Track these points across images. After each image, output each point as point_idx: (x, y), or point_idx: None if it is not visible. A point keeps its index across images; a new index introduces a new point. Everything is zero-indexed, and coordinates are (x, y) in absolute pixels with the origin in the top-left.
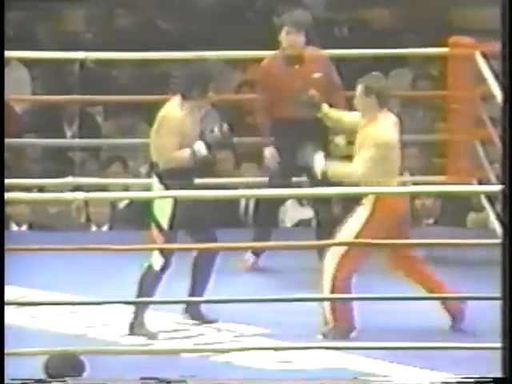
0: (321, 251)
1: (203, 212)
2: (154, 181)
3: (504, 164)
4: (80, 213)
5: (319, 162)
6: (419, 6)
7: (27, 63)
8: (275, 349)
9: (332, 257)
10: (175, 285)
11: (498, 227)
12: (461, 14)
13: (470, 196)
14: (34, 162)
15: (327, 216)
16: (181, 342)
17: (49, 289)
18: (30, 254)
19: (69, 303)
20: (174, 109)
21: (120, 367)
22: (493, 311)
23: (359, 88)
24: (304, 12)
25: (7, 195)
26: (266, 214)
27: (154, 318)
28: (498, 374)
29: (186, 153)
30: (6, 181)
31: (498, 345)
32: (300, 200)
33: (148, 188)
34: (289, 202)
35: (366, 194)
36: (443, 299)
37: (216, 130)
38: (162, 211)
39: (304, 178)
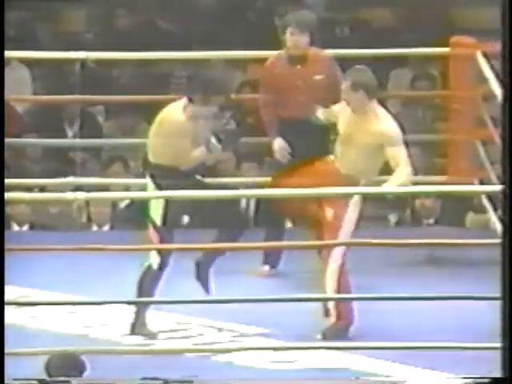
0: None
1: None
2: (148, 181)
3: (504, 164)
4: (81, 213)
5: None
6: (420, 5)
7: (28, 63)
8: (276, 349)
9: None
10: (179, 285)
11: (498, 227)
12: (462, 13)
13: (471, 196)
14: (35, 162)
15: None
16: (182, 342)
17: (50, 289)
18: (30, 254)
19: (69, 303)
20: (177, 110)
21: (121, 367)
22: (493, 311)
23: (345, 83)
24: (308, 12)
25: (8, 195)
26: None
27: (154, 318)
28: (498, 374)
29: (201, 152)
30: (7, 181)
31: (498, 345)
32: None
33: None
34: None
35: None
36: (443, 299)
37: (226, 125)
38: (156, 209)
39: None
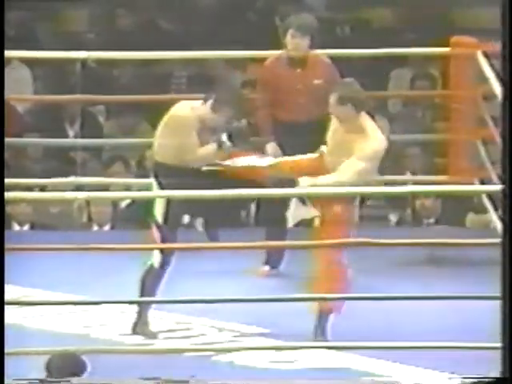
0: None
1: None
2: (152, 180)
3: (504, 163)
4: (82, 212)
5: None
6: (420, 5)
7: (29, 63)
8: (276, 348)
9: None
10: (179, 284)
11: (498, 227)
12: (462, 13)
13: (471, 196)
14: (36, 162)
15: None
16: (182, 342)
17: (50, 288)
18: (31, 254)
19: (70, 303)
20: (186, 109)
21: (121, 367)
22: (493, 311)
23: (332, 98)
24: (310, 16)
25: (9, 195)
26: (275, 214)
27: (155, 318)
28: (498, 374)
29: (211, 148)
30: (8, 180)
31: (498, 344)
32: (302, 199)
33: (149, 187)
34: (291, 201)
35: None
36: (443, 299)
37: (236, 124)
38: (159, 207)
39: None
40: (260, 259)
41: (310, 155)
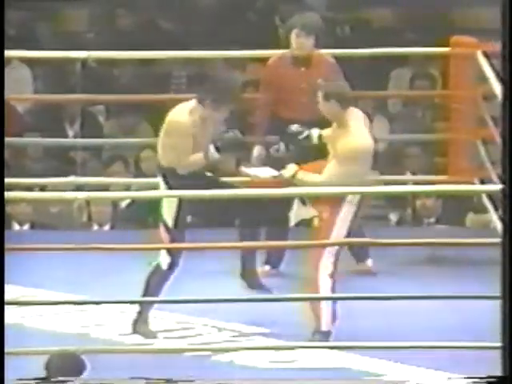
0: None
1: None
2: (160, 181)
3: (504, 163)
4: (81, 212)
5: (290, 167)
6: (420, 5)
7: (29, 63)
8: (276, 348)
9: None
10: (180, 284)
11: (498, 227)
12: (462, 13)
13: (471, 196)
14: (36, 162)
15: None
16: (182, 342)
17: (50, 288)
18: (32, 254)
19: (70, 303)
20: (183, 113)
21: (121, 367)
22: (493, 310)
23: (319, 95)
24: (314, 15)
25: (9, 194)
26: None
27: (156, 318)
28: (498, 374)
29: (198, 157)
30: (8, 180)
31: (498, 344)
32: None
33: (154, 187)
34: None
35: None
36: (443, 298)
37: (228, 134)
38: (169, 210)
39: None
40: (260, 259)
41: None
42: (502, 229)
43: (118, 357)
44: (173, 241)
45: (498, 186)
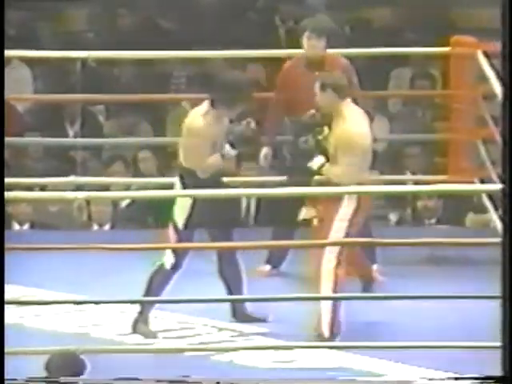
0: None
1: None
2: (177, 181)
3: (504, 163)
4: (81, 212)
5: (318, 159)
6: (420, 5)
7: (29, 62)
8: (276, 348)
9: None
10: (180, 284)
11: (498, 226)
12: (462, 13)
13: (471, 195)
14: (36, 161)
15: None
16: (182, 341)
17: (50, 288)
18: (31, 253)
19: (69, 302)
20: (197, 117)
21: (121, 366)
22: (492, 310)
23: (316, 86)
24: (325, 17)
25: (9, 194)
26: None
27: (156, 317)
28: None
29: (216, 158)
30: (8, 180)
31: (498, 344)
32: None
33: (154, 187)
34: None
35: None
36: (443, 298)
37: (242, 125)
38: (182, 211)
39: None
40: (260, 259)
41: None
42: (502, 229)
43: (118, 357)
44: (180, 241)
45: (498, 186)
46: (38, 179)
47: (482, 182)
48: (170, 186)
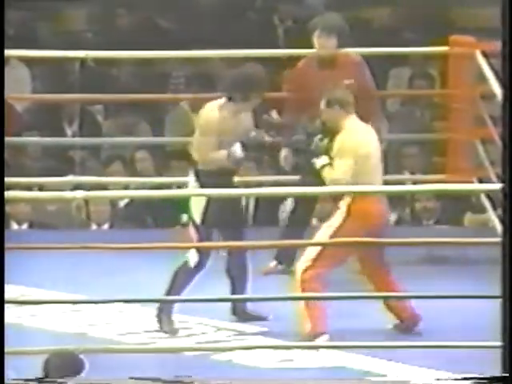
0: None
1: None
2: (191, 179)
3: (504, 162)
4: (80, 211)
5: (321, 159)
6: (419, 4)
7: (28, 62)
8: (276, 347)
9: (303, 260)
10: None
11: (496, 226)
12: (461, 12)
13: (470, 195)
14: (35, 161)
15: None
16: (181, 341)
17: (49, 288)
18: (30, 253)
19: (68, 302)
20: (213, 110)
21: (120, 366)
22: (491, 309)
23: (322, 101)
24: (336, 15)
25: (8, 194)
26: (301, 214)
27: (155, 317)
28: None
29: (222, 154)
30: (7, 179)
31: (498, 343)
32: None
33: (152, 187)
34: (289, 201)
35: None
36: (443, 298)
37: (257, 132)
38: (197, 208)
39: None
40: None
41: None
42: (501, 228)
43: (117, 356)
44: (201, 239)
45: (496, 186)
46: (36, 179)
47: (481, 181)
48: (169, 186)
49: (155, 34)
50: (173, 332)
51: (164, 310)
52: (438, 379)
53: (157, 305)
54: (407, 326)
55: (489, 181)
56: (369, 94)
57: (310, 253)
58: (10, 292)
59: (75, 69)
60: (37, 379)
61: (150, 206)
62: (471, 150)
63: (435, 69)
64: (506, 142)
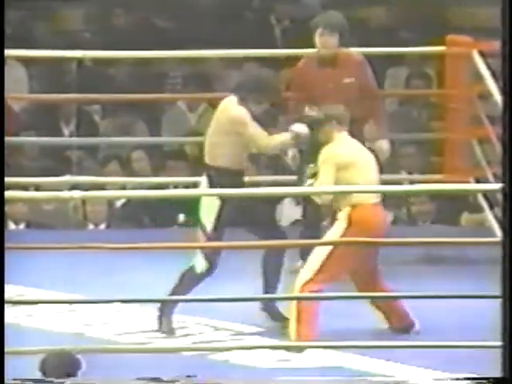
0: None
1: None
2: (203, 180)
3: (504, 162)
4: (77, 211)
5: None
6: (416, 4)
7: (25, 62)
8: (275, 347)
9: (305, 271)
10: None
11: (494, 225)
12: (458, 12)
13: (467, 195)
14: (32, 161)
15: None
16: (179, 341)
17: (46, 287)
18: (28, 253)
19: (66, 302)
20: (235, 106)
21: (117, 366)
22: (492, 310)
23: (318, 116)
24: (338, 13)
25: (6, 194)
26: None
27: (152, 317)
28: (498, 373)
29: (286, 136)
30: (5, 179)
31: (498, 343)
32: (296, 199)
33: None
34: (286, 201)
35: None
36: (442, 298)
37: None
38: (209, 212)
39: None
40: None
41: None
42: (501, 228)
43: (114, 356)
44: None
45: (493, 185)
46: (33, 179)
47: (478, 181)
48: (165, 186)
49: (152, 33)
50: (170, 332)
51: (165, 310)
52: (436, 379)
53: (157, 305)
54: (398, 329)
55: (486, 181)
56: (371, 94)
57: (313, 264)
58: (8, 292)
59: (72, 69)
60: (35, 380)
61: (146, 206)
62: (468, 150)
63: (432, 68)
64: (506, 142)
